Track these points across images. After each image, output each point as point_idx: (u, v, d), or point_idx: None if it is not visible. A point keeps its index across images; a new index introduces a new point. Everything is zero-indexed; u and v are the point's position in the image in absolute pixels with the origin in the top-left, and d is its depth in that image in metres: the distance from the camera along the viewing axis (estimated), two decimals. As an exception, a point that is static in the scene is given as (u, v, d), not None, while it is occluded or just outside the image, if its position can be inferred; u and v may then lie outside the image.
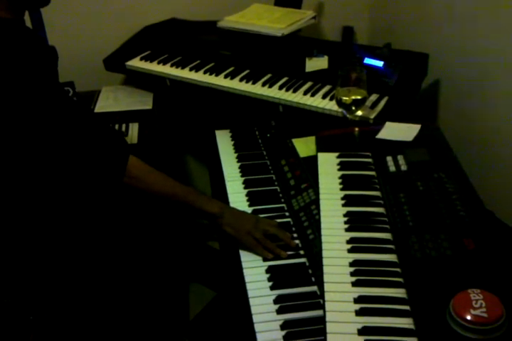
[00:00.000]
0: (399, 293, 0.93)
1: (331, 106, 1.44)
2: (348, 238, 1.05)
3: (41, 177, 1.06)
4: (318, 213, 1.13)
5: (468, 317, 0.80)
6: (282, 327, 0.96)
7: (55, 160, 1.05)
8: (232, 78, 1.62)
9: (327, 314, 0.91)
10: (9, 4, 1.03)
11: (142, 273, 1.22)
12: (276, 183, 1.36)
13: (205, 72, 1.66)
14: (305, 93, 1.51)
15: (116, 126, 1.68)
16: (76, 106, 1.13)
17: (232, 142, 1.57)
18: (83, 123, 1.09)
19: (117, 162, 1.09)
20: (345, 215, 1.11)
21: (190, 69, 1.69)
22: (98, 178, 1.09)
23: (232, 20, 1.80)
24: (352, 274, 0.98)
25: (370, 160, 1.26)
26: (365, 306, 0.91)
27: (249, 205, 1.29)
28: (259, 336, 0.95)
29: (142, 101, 1.81)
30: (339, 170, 1.24)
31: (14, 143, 1.02)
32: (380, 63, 1.53)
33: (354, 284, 0.96)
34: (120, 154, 1.11)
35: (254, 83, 1.58)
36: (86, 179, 1.09)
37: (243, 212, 1.22)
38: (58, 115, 1.04)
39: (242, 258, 1.14)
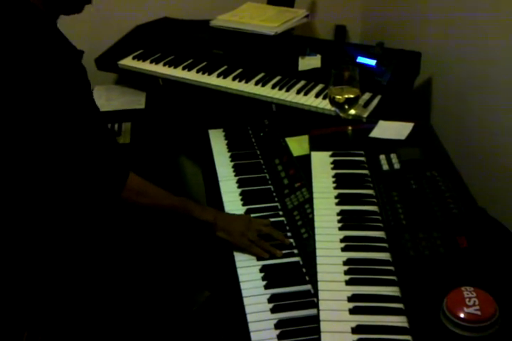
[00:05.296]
0: (392, 291, 0.93)
1: (324, 105, 1.44)
2: (341, 236, 1.06)
3: (39, 179, 1.05)
4: (312, 212, 1.13)
5: (462, 315, 0.80)
6: (276, 326, 0.96)
7: (55, 165, 1.03)
8: (224, 77, 1.62)
9: (321, 313, 0.91)
10: (44, 4, 1.03)
11: (136, 272, 1.22)
12: (269, 182, 1.36)
13: (197, 71, 1.66)
14: (298, 92, 1.51)
15: (109, 126, 1.68)
16: (95, 115, 1.11)
17: (226, 141, 1.56)
18: (94, 132, 1.08)
19: (117, 176, 1.08)
20: (338, 214, 1.11)
21: (183, 69, 1.68)
22: (97, 190, 1.08)
23: (225, 19, 1.80)
24: (346, 273, 0.98)
25: (363, 158, 1.26)
26: (359, 305, 0.91)
27: (243, 204, 1.29)
28: (253, 335, 0.95)
29: (135, 101, 1.80)
30: (332, 168, 1.24)
31: (19, 141, 1.00)
32: (372, 62, 1.53)
33: (348, 283, 0.96)
34: (121, 169, 1.10)
35: (247, 82, 1.58)
36: (85, 190, 1.08)
37: (235, 216, 1.22)
38: (76, 120, 1.03)
39: (236, 258, 1.13)
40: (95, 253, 1.17)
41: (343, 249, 1.03)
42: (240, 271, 1.10)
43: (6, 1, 1.00)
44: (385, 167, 1.20)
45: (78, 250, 1.14)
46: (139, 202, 1.14)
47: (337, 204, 1.14)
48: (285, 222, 1.22)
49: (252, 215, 1.24)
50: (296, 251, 1.14)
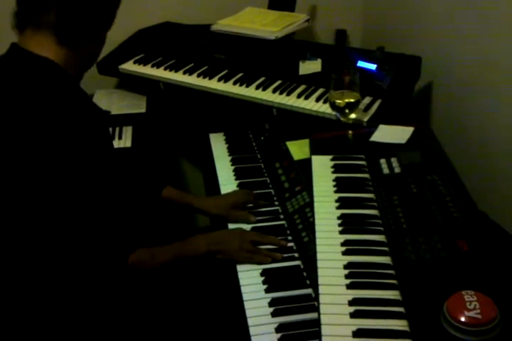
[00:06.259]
0: (393, 295, 0.93)
1: (324, 109, 1.44)
2: (342, 240, 1.06)
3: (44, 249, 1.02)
4: (313, 216, 1.13)
5: (463, 319, 0.80)
6: (277, 330, 0.96)
7: (62, 237, 1.00)
8: (225, 81, 1.62)
9: (322, 316, 0.91)
10: (78, 67, 1.06)
11: (138, 273, 1.22)
12: (270, 186, 1.36)
13: (198, 76, 1.67)
14: (299, 96, 1.51)
15: (110, 129, 1.68)
16: (112, 187, 1.10)
17: (226, 145, 1.57)
18: (106, 208, 1.06)
19: (120, 258, 1.07)
20: (339, 218, 1.11)
21: (184, 73, 1.69)
22: (101, 269, 1.06)
23: (226, 24, 1.80)
24: (346, 276, 0.98)
25: (363, 162, 1.26)
26: (360, 308, 0.91)
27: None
28: (254, 339, 0.94)
29: (136, 105, 1.80)
30: (333, 172, 1.24)
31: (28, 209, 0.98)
32: (373, 66, 1.54)
33: (349, 286, 0.96)
34: (123, 252, 1.08)
35: (247, 86, 1.58)
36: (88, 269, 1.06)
37: (225, 233, 1.21)
38: (92, 193, 1.01)
39: (239, 263, 1.13)
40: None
41: (344, 253, 1.03)
42: (240, 275, 1.10)
43: (37, 67, 1.01)
44: (386, 171, 1.20)
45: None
46: (145, 270, 1.12)
47: (337, 208, 1.14)
48: (286, 226, 1.22)
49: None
50: (296, 254, 1.14)
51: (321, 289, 0.96)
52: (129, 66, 1.78)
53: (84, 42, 1.04)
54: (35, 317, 1.07)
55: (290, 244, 1.16)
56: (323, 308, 0.92)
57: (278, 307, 1.01)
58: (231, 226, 1.25)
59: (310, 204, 1.18)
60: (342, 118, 1.37)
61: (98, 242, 1.04)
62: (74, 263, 1.03)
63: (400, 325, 0.88)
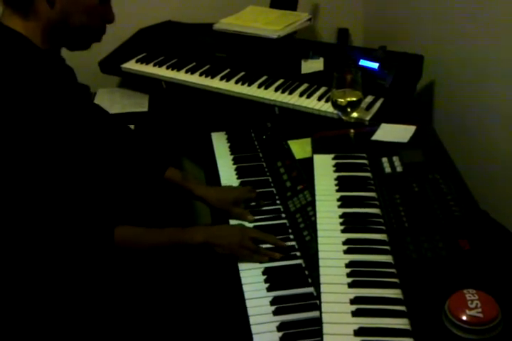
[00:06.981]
0: (395, 293, 0.93)
1: (326, 107, 1.44)
2: (344, 239, 1.06)
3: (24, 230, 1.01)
4: (315, 214, 1.13)
5: (464, 318, 0.80)
6: (279, 328, 0.96)
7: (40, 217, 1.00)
8: (227, 80, 1.62)
9: (323, 315, 0.91)
10: (46, 38, 1.05)
11: (138, 272, 1.22)
12: (272, 185, 1.36)
13: (200, 74, 1.67)
14: (301, 95, 1.51)
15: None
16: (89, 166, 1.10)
17: (228, 144, 1.57)
18: (83, 185, 1.05)
19: (102, 235, 1.06)
20: (341, 216, 1.11)
21: (186, 72, 1.69)
22: (84, 247, 1.05)
23: (228, 23, 1.81)
24: (348, 275, 0.98)
25: (365, 161, 1.26)
26: (362, 307, 0.91)
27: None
28: (255, 338, 0.94)
29: (138, 104, 1.81)
30: (335, 171, 1.24)
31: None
32: (375, 65, 1.54)
33: (350, 285, 0.96)
34: (105, 228, 1.08)
35: (249, 85, 1.59)
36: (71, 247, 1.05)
37: (226, 227, 1.21)
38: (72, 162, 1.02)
39: (239, 260, 1.14)
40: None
41: (346, 252, 1.03)
42: (242, 274, 1.10)
43: (4, 38, 1.01)
44: (388, 170, 1.20)
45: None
46: (134, 250, 1.12)
47: (339, 206, 1.14)
48: (287, 225, 1.22)
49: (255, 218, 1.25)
50: (298, 253, 1.14)
51: (323, 288, 0.96)
52: (131, 65, 1.78)
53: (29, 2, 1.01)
54: (20, 306, 1.07)
55: (292, 243, 1.16)
56: (324, 307, 0.92)
57: (280, 305, 1.01)
58: (232, 222, 1.25)
59: (312, 203, 1.19)
60: (344, 117, 1.37)
61: (78, 214, 1.04)
62: (56, 238, 1.02)
63: (401, 323, 0.88)
